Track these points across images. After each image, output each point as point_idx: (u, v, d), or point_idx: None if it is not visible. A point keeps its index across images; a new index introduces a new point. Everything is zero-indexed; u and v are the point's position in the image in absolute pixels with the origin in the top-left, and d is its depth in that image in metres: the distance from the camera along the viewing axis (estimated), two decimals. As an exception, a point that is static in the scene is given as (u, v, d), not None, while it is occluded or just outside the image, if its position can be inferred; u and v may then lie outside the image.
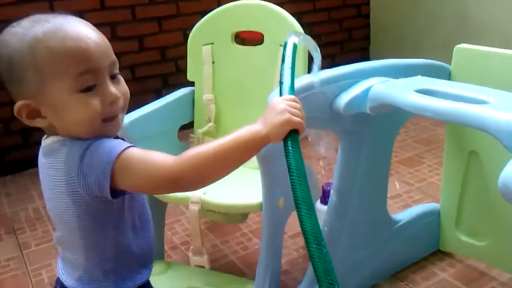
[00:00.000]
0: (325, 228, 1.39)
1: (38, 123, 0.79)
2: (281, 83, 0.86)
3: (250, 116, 1.57)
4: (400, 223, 1.58)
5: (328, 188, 1.43)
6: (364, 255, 1.49)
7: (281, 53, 1.47)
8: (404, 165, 2.34)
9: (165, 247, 1.75)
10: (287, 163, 0.77)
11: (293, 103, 0.80)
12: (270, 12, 1.51)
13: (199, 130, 1.65)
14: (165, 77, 2.74)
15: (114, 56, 0.80)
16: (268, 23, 1.52)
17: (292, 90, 0.85)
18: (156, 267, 1.58)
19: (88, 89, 0.76)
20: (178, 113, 1.62)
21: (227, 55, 1.60)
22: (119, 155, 0.74)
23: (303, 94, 1.16)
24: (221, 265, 1.69)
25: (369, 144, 1.36)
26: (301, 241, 1.81)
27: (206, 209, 1.41)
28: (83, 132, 0.77)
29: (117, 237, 0.82)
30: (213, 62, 1.61)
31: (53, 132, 0.80)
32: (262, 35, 1.54)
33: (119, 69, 0.81)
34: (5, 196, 2.28)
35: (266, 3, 1.53)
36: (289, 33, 0.98)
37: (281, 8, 1.50)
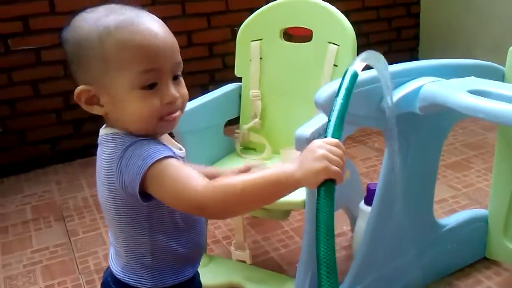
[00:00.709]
0: (368, 229, 1.37)
1: (95, 110, 0.80)
2: (329, 120, 0.80)
3: (295, 113, 1.59)
4: (446, 228, 1.54)
5: (373, 188, 1.41)
6: (406, 258, 1.46)
7: (329, 52, 1.51)
8: (451, 169, 2.28)
9: (207, 241, 1.77)
10: (316, 216, 0.71)
11: (335, 149, 0.73)
12: (319, 9, 1.50)
13: (244, 126, 1.66)
14: (212, 73, 2.77)
15: (180, 58, 0.81)
16: (317, 20, 1.51)
17: (338, 132, 0.78)
18: (198, 260, 1.61)
19: (149, 87, 0.77)
20: (225, 108, 1.63)
21: (274, 51, 1.60)
22: (153, 164, 0.74)
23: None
24: (261, 261, 1.69)
25: (417, 145, 1.33)
26: (343, 241, 1.79)
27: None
28: (137, 127, 0.78)
29: (154, 235, 0.82)
30: (260, 58, 1.62)
31: (109, 122, 0.82)
32: (311, 32, 1.54)
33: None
34: (55, 184, 2.36)
35: None
36: (360, 55, 0.89)
37: (330, 5, 1.49)
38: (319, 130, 1.28)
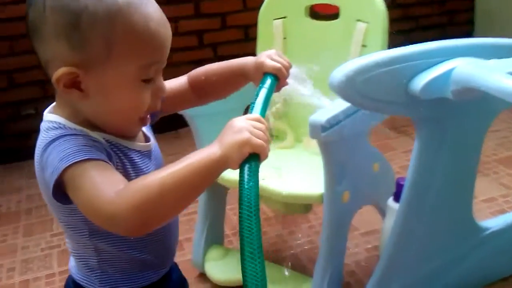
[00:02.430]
0: (395, 229, 1.23)
1: (72, 94, 0.67)
2: (252, 103, 0.72)
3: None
4: (489, 231, 1.37)
5: (403, 183, 1.26)
6: (440, 264, 1.30)
7: (357, 30, 1.36)
8: (503, 165, 2.07)
9: (228, 232, 1.68)
10: (239, 193, 0.60)
11: (257, 123, 0.64)
12: (348, -17, 1.36)
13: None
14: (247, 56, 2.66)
15: None
16: (345, -4, 1.37)
17: (262, 112, 0.71)
18: (214, 252, 1.51)
19: (147, 81, 0.69)
20: (243, 91, 1.51)
21: (299, 30, 1.47)
22: (69, 166, 0.62)
23: (373, 72, 1.01)
24: (283, 258, 1.58)
25: (453, 136, 1.16)
26: (374, 240, 1.65)
27: (264, 196, 1.30)
28: (116, 123, 0.69)
29: (95, 239, 0.71)
30: (284, 38, 1.49)
31: (59, 106, 0.71)
32: (338, 9, 1.39)
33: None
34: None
35: (345, -27, 1.38)
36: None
37: (359, -22, 1.34)
38: (338, 116, 1.15)
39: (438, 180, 1.20)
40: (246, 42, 2.61)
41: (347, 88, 1.01)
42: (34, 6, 0.65)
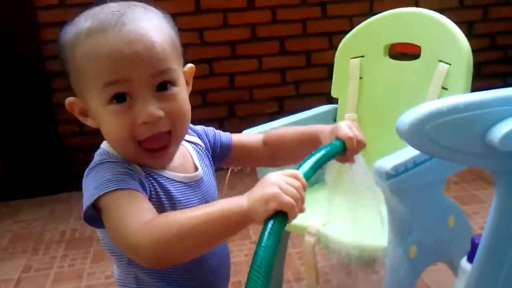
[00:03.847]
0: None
1: (89, 122, 0.73)
2: (304, 160, 0.69)
3: (396, 142, 1.35)
4: None
5: (479, 241, 1.13)
6: None
7: (438, 71, 1.26)
8: None
9: (290, 277, 1.60)
10: (255, 251, 0.57)
11: (291, 180, 0.61)
12: (430, 21, 1.27)
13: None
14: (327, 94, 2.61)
15: (167, 65, 0.68)
16: (427, 34, 1.29)
17: (308, 171, 0.67)
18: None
19: (117, 100, 0.67)
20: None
21: (376, 70, 1.40)
22: (102, 195, 0.65)
23: (445, 118, 0.92)
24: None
25: (538, 193, 1.03)
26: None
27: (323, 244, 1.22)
28: (117, 150, 0.71)
29: (133, 267, 0.72)
30: (360, 78, 1.42)
31: None
32: (419, 49, 1.31)
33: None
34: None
35: (426, 10, 1.29)
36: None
37: (442, 16, 1.25)
38: (407, 163, 1.06)
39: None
40: (330, 81, 2.57)
41: (415, 134, 0.91)
42: None
